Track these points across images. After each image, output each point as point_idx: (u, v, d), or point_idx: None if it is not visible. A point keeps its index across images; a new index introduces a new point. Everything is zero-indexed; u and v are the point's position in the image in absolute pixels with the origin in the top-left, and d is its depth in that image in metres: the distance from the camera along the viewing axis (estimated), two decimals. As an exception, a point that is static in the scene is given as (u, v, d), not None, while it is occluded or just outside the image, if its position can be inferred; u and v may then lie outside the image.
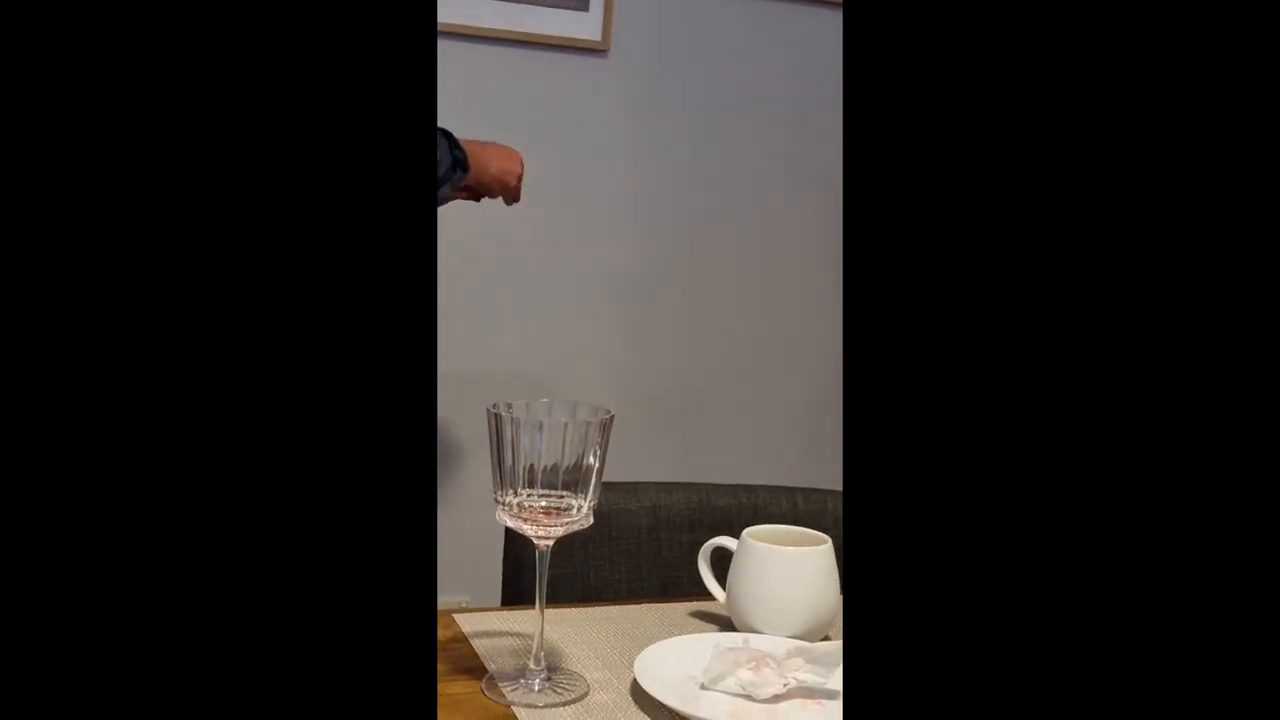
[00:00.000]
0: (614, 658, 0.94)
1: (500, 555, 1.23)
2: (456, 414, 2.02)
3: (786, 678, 0.86)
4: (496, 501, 0.86)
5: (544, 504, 0.85)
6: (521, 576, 1.19)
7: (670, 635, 0.97)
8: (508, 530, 1.00)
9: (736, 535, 1.01)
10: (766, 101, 2.20)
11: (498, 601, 1.23)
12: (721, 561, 1.03)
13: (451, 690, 0.87)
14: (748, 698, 0.86)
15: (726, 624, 1.02)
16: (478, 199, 1.53)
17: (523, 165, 1.50)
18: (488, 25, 1.98)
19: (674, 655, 0.91)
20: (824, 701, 0.86)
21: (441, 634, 0.97)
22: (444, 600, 1.84)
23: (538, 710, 0.84)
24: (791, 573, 0.97)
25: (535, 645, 0.89)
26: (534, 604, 0.89)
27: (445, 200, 1.46)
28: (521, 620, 1.01)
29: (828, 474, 2.21)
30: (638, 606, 1.07)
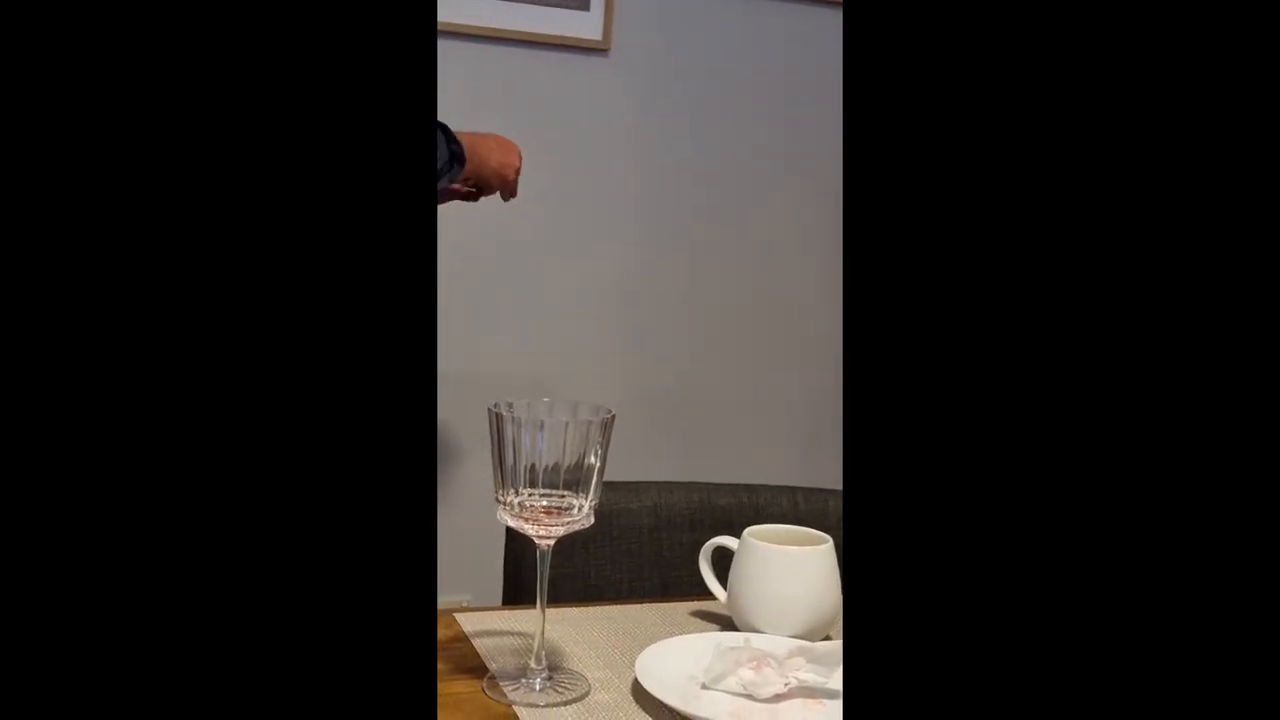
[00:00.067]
0: (615, 657, 0.94)
1: (501, 555, 1.23)
2: (456, 414, 2.02)
3: (788, 677, 0.86)
4: (497, 501, 0.86)
5: (545, 504, 0.85)
6: (522, 576, 1.19)
7: (671, 635, 0.97)
8: (509, 530, 1.00)
9: (737, 535, 1.01)
10: (767, 101, 2.20)
11: (499, 601, 1.23)
12: (722, 561, 1.03)
13: (453, 690, 0.87)
14: (749, 697, 0.86)
15: (727, 623, 1.02)
16: (476, 198, 1.50)
17: (521, 158, 1.46)
18: (488, 24, 1.98)
19: (675, 655, 0.91)
20: (825, 701, 0.86)
21: (442, 633, 0.97)
22: (445, 600, 1.84)
23: (539, 710, 0.84)
24: (792, 572, 0.97)
25: (536, 645, 0.89)
26: (535, 603, 0.89)
27: (444, 199, 1.45)
28: (522, 620, 1.01)
29: (828, 474, 2.21)
30: (639, 606, 1.07)
